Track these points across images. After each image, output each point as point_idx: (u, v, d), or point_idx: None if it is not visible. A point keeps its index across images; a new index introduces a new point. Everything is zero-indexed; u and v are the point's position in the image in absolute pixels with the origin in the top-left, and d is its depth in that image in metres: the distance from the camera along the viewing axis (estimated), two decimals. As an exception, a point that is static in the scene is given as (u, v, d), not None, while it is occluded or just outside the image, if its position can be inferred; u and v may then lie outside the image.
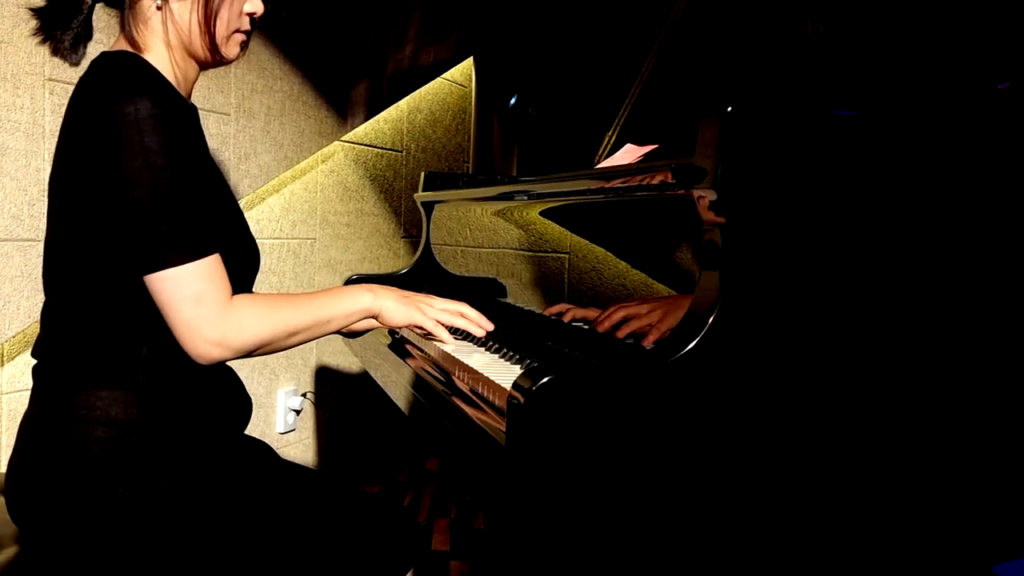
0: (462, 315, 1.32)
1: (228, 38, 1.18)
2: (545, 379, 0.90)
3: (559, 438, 0.91)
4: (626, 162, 1.55)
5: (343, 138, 2.81)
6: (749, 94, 1.57)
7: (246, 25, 1.20)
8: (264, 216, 2.52)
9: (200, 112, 2.18)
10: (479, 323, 1.32)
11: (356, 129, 2.84)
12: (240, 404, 1.27)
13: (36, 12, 1.12)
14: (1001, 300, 1.08)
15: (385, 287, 1.31)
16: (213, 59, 1.18)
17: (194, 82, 1.22)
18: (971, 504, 1.09)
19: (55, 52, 1.13)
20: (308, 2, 2.51)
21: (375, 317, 1.27)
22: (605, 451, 0.92)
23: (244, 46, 1.23)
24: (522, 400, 0.90)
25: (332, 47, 2.64)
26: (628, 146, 1.62)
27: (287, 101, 2.47)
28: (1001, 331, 1.08)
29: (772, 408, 0.92)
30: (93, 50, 1.16)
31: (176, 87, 1.15)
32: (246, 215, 2.47)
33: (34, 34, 1.13)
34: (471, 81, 3.49)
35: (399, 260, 3.17)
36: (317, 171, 2.74)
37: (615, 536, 0.94)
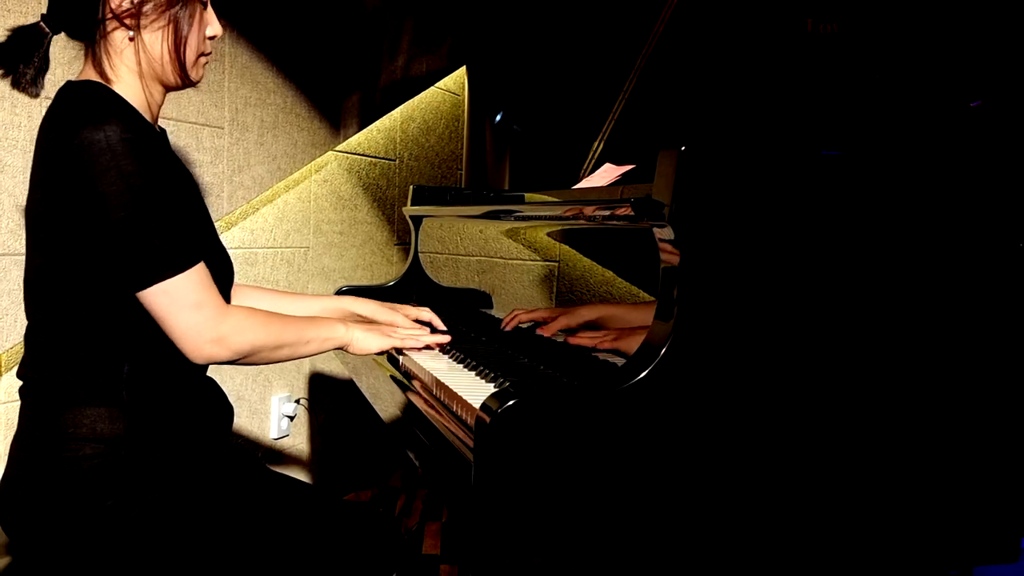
0: (416, 319, 1.53)
1: (195, 62, 1.25)
2: (511, 402, 0.95)
3: (522, 456, 0.96)
4: (603, 183, 1.60)
5: (336, 148, 2.86)
6: (709, 128, 1.62)
7: (209, 48, 1.27)
8: (258, 226, 2.57)
9: (194, 126, 2.25)
10: (433, 322, 1.54)
11: (349, 139, 2.89)
12: (222, 411, 1.33)
13: None
14: (958, 324, 1.13)
15: (355, 324, 1.43)
16: (182, 83, 1.24)
17: (160, 106, 1.28)
18: (952, 510, 1.14)
19: (15, 85, 1.18)
20: (302, 15, 2.55)
21: (346, 347, 1.38)
22: (565, 468, 0.97)
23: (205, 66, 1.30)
24: (488, 421, 0.96)
25: (325, 60, 2.69)
26: (607, 166, 1.67)
27: (280, 113, 2.52)
28: (963, 354, 1.13)
29: (720, 431, 0.97)
30: (57, 79, 1.21)
31: (143, 114, 1.21)
32: (240, 226, 2.53)
33: None
34: (464, 90, 3.54)
35: (392, 267, 3.22)
36: (311, 181, 2.79)
37: (573, 547, 0.99)
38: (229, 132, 2.33)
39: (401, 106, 3.17)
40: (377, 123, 3.06)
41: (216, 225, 2.39)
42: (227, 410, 1.34)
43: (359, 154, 3.01)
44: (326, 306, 1.59)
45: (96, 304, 1.13)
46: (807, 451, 1.03)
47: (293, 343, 1.27)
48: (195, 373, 1.26)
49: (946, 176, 1.17)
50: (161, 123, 2.14)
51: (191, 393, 1.23)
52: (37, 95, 1.20)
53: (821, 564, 1.07)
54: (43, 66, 1.19)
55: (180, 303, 1.11)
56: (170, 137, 2.20)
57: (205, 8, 1.25)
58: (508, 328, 1.51)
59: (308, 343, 1.30)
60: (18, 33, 1.16)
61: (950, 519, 1.12)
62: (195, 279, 1.13)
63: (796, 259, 1.03)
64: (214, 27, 1.27)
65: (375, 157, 3.10)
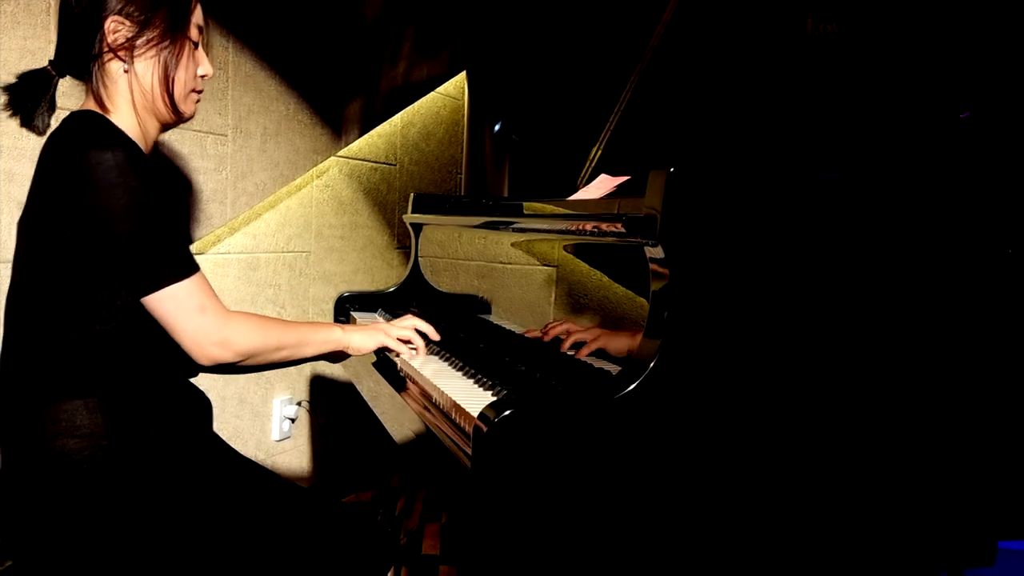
0: (415, 328, 1.57)
1: (185, 97, 1.35)
2: (507, 412, 0.99)
3: (518, 463, 1.00)
4: (598, 195, 1.64)
5: (338, 154, 2.89)
6: (704, 138, 1.65)
7: (200, 85, 1.38)
8: (260, 231, 2.61)
9: (198, 134, 2.30)
10: (428, 333, 1.58)
11: (351, 144, 2.93)
12: (197, 401, 1.39)
13: (7, 89, 1.29)
14: (944, 333, 1.16)
15: (352, 325, 1.50)
16: (174, 117, 1.34)
17: (155, 140, 1.38)
18: (931, 516, 1.18)
19: (24, 124, 1.29)
20: (304, 24, 2.59)
21: (345, 349, 1.47)
22: (559, 475, 1.01)
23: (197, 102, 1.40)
24: (486, 430, 1.00)
25: (327, 66, 2.72)
26: (602, 176, 1.70)
27: (283, 120, 2.56)
28: (945, 366, 1.16)
29: (710, 440, 1.01)
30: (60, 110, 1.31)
31: (139, 144, 1.29)
32: (243, 231, 2.57)
33: (5, 108, 1.29)
34: (464, 94, 3.58)
35: (393, 271, 3.26)
36: (312, 186, 2.83)
37: (568, 551, 1.03)
38: (232, 139, 2.37)
39: (402, 111, 3.21)
40: (378, 128, 3.10)
41: (220, 230, 2.44)
42: (202, 400, 1.40)
43: (360, 159, 3.05)
44: None
45: (78, 308, 1.20)
46: (793, 459, 1.06)
47: (292, 345, 1.35)
48: (173, 369, 1.31)
49: (937, 187, 1.20)
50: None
51: (163, 383, 1.29)
52: (43, 132, 1.30)
53: (808, 569, 1.11)
54: (51, 107, 1.30)
55: (185, 307, 1.20)
56: (175, 144, 2.25)
57: (196, 48, 1.35)
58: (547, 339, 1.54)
59: (307, 345, 1.38)
60: (28, 77, 1.29)
61: (929, 526, 1.16)
62: (197, 284, 1.22)
63: (785, 277, 1.07)
64: (204, 67, 1.37)
65: (376, 162, 3.14)
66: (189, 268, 1.21)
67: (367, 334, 1.49)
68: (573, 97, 3.02)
